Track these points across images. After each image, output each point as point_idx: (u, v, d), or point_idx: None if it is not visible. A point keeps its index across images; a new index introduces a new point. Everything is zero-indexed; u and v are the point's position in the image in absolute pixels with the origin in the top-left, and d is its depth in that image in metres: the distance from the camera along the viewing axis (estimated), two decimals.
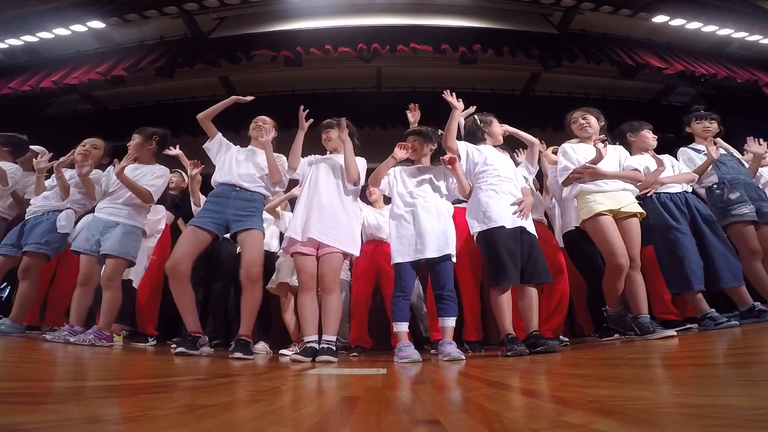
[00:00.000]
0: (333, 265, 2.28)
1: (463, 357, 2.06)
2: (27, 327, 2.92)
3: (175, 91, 5.49)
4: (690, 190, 2.66)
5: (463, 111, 2.55)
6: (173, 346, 2.91)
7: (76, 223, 2.95)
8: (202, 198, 3.30)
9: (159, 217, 3.34)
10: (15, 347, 2.09)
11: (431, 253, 2.24)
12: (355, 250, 2.39)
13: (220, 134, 2.58)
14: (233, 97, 2.55)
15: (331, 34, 4.72)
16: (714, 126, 2.96)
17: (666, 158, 2.76)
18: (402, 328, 2.23)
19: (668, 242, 2.50)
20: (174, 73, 4.83)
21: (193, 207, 3.30)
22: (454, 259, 2.30)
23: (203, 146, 2.62)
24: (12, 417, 0.50)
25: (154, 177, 2.72)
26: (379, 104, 5.37)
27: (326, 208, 2.34)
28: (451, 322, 2.21)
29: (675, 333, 2.26)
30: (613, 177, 2.46)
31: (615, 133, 2.89)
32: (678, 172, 2.75)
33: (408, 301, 2.33)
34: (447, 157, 2.34)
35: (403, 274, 2.27)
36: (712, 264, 2.44)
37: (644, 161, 2.66)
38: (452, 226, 2.36)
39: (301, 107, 2.49)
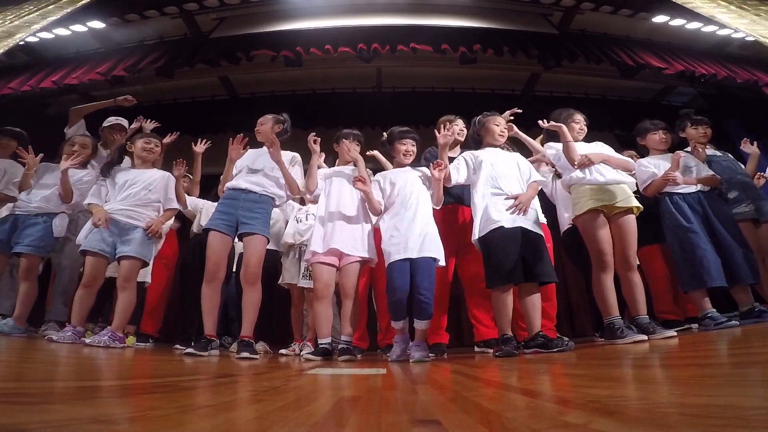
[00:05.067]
0: (351, 274, 2.46)
1: (427, 360, 2.15)
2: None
3: (175, 91, 5.49)
4: (706, 189, 2.64)
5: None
6: (179, 346, 2.91)
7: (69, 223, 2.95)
8: (192, 199, 3.29)
9: (171, 221, 3.30)
10: (17, 347, 2.09)
11: (414, 253, 2.27)
12: (375, 257, 2.50)
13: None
14: (232, 156, 2.62)
15: (331, 34, 4.72)
16: (709, 131, 2.96)
17: (690, 159, 2.74)
18: (397, 325, 2.33)
19: (682, 242, 2.51)
20: (174, 73, 4.83)
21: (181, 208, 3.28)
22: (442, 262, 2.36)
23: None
24: (16, 417, 0.50)
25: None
26: (379, 104, 5.37)
27: (345, 221, 2.50)
28: (422, 325, 2.25)
29: (675, 333, 2.26)
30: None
31: (633, 134, 2.97)
32: (698, 172, 2.70)
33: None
34: (437, 169, 2.34)
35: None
36: (730, 261, 2.43)
37: (661, 162, 2.66)
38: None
39: (311, 135, 2.58)
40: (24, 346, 2.23)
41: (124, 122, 3.54)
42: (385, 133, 2.71)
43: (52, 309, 3.01)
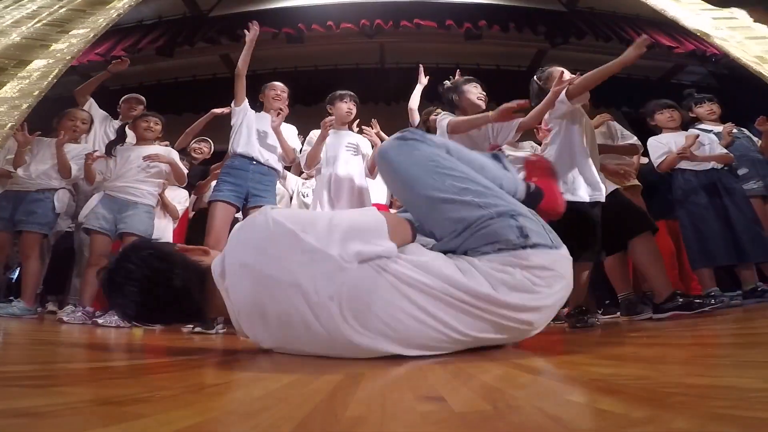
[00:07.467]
0: None
1: None
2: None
3: (176, 70, 5.43)
4: (719, 167, 2.64)
5: None
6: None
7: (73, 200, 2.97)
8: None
9: (186, 204, 3.33)
10: (27, 329, 2.12)
11: None
12: None
13: (246, 102, 2.70)
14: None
15: (333, 10, 4.62)
16: (716, 107, 2.92)
17: (704, 136, 2.73)
18: None
19: (693, 219, 2.53)
20: (174, 52, 4.77)
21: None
22: None
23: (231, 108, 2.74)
24: (24, 401, 0.51)
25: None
26: (382, 80, 5.30)
27: (346, 187, 2.49)
28: None
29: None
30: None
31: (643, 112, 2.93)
32: (712, 150, 2.69)
33: None
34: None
35: None
36: (740, 239, 2.44)
37: (674, 139, 2.65)
38: None
39: (330, 118, 2.55)
40: (35, 327, 2.26)
41: (141, 96, 3.57)
42: (448, 82, 2.38)
43: (70, 290, 3.05)
